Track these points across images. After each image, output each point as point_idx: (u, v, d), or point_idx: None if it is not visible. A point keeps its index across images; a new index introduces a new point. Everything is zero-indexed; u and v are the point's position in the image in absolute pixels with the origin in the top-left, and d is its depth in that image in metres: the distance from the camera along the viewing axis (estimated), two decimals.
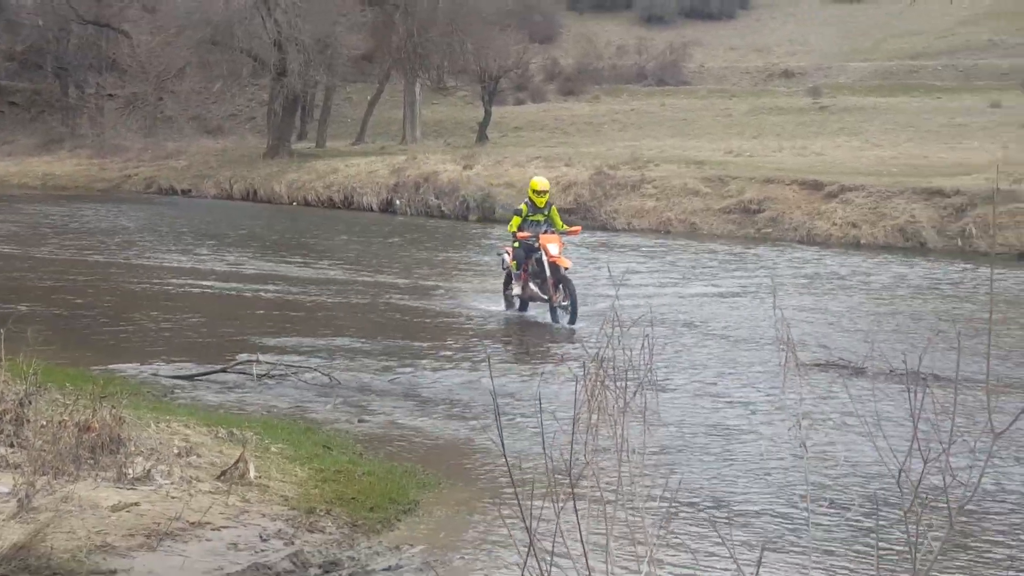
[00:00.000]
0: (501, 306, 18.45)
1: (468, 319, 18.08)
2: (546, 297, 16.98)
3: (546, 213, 17.60)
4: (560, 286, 16.82)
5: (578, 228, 19.00)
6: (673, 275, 23.08)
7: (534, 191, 17.72)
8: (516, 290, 17.67)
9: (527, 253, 17.19)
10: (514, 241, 17.50)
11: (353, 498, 8.70)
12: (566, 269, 16.81)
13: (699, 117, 50.96)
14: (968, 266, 23.87)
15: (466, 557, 7.82)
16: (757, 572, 4.36)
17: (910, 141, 41.47)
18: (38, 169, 47.54)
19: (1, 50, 54.96)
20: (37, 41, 54.57)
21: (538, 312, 17.66)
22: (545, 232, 17.22)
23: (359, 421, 11.56)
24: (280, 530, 7.88)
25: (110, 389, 10.07)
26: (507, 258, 17.69)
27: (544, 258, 16.90)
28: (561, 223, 17.98)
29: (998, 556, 7.98)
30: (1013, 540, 8.28)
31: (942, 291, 21.10)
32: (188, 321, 17.53)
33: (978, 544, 8.23)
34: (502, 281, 18.30)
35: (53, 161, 48.96)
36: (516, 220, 17.50)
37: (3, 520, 7.16)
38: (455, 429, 11.36)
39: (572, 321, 16.56)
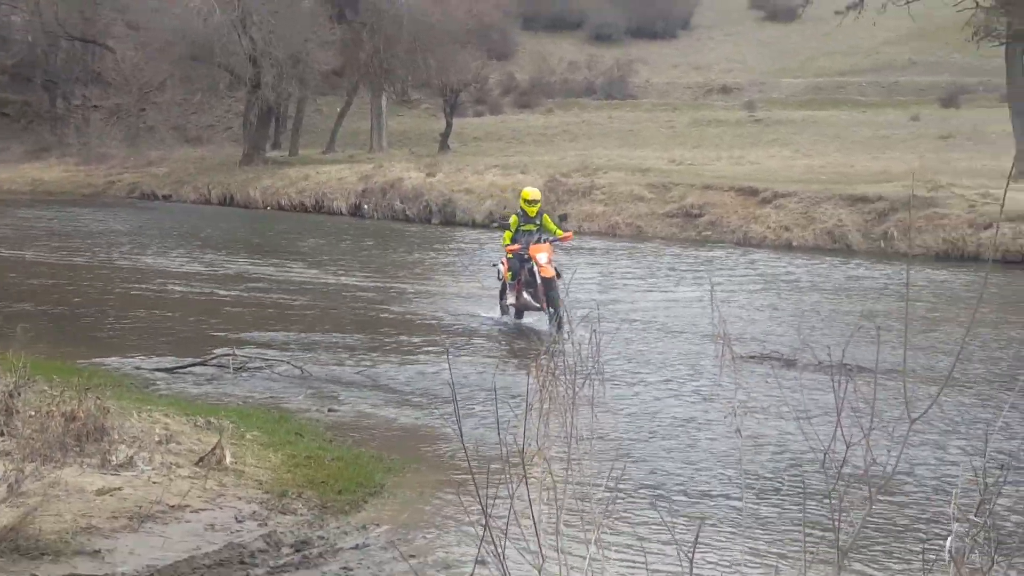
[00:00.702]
0: (466, 304, 18.40)
1: (431, 315, 18.05)
2: (539, 306, 16.36)
3: (538, 222, 16.65)
4: (548, 293, 15.99)
5: (570, 234, 17.40)
6: (619, 275, 23.10)
7: (525, 201, 16.79)
8: (511, 299, 16.96)
9: (520, 263, 16.39)
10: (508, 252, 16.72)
11: (323, 482, 8.70)
12: (548, 278, 15.92)
13: (644, 128, 51.12)
14: (890, 266, 24.02)
15: (428, 536, 7.82)
16: (694, 546, 4.39)
17: (837, 151, 41.76)
18: (28, 175, 47.27)
19: None
20: (27, 56, 54.28)
21: (535, 320, 17.05)
22: (537, 241, 16.42)
23: (329, 411, 11.54)
24: (254, 512, 7.87)
25: (95, 381, 10.04)
26: (502, 269, 16.96)
27: (535, 268, 16.13)
28: (557, 229, 16.98)
29: (913, 528, 8.05)
30: (924, 515, 8.35)
31: (866, 289, 21.24)
32: (168, 318, 17.44)
33: (895, 518, 8.32)
34: (498, 291, 17.56)
35: (42, 168, 48.75)
36: (507, 235, 16.70)
37: None
38: (418, 417, 11.36)
39: (558, 329, 15.19)
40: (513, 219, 16.79)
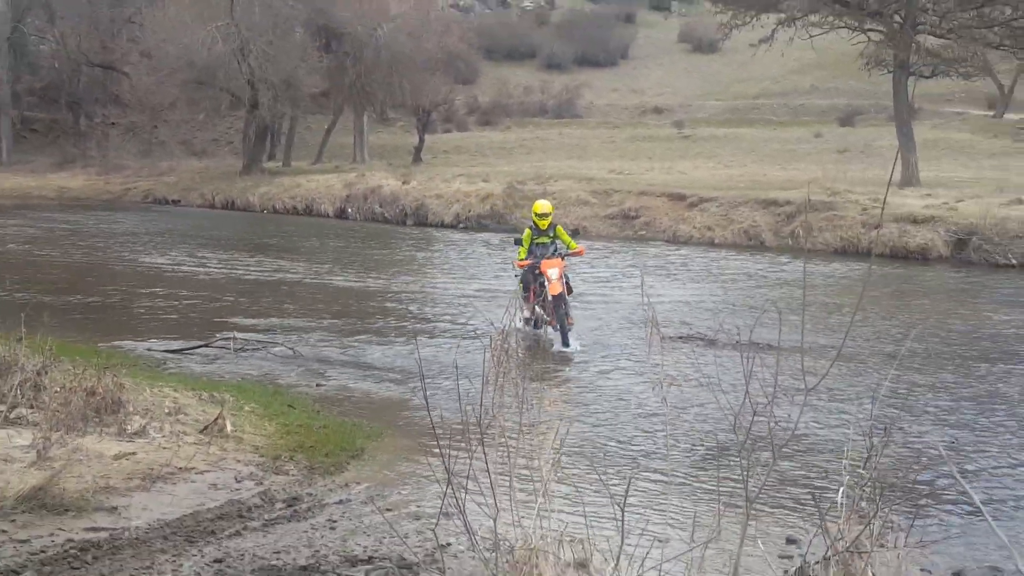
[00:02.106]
0: (438, 292, 18.26)
1: (406, 302, 18.01)
2: (549, 319, 14.20)
3: (551, 235, 14.56)
4: (556, 310, 13.90)
5: (582, 249, 15.13)
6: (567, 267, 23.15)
7: (536, 214, 14.58)
8: (525, 313, 14.54)
9: (533, 278, 14.30)
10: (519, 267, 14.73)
11: (311, 447, 8.69)
12: (557, 295, 13.80)
13: (589, 143, 51.16)
14: (796, 261, 24.17)
15: (402, 492, 7.82)
16: (625, 496, 4.41)
17: (753, 163, 41.96)
18: (54, 184, 46.69)
19: (24, 87, 54.26)
20: (54, 80, 53.93)
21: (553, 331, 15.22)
22: (552, 255, 14.34)
23: (317, 385, 11.52)
24: (252, 473, 7.86)
25: (112, 361, 10.00)
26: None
27: (546, 283, 13.94)
28: (572, 242, 14.75)
29: (810, 481, 8.14)
30: (820, 470, 8.43)
31: (775, 280, 21.37)
32: (177, 307, 17.30)
33: (796, 473, 8.41)
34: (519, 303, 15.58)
35: (66, 177, 48.17)
36: (521, 251, 14.60)
37: (24, 467, 7.08)
38: (395, 390, 11.35)
39: (564, 344, 13.64)
40: (526, 233, 14.62)
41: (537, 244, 14.49)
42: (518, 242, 14.79)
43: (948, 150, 42.36)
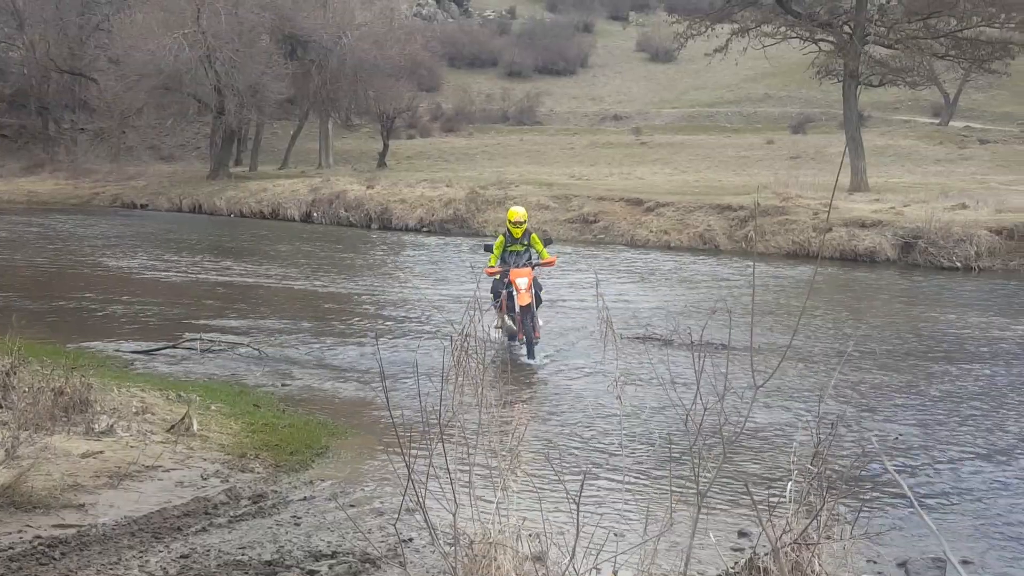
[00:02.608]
0: (400, 293, 18.19)
1: (369, 304, 17.99)
2: (516, 329, 13.27)
3: (525, 243, 13.56)
4: (523, 321, 13.04)
5: (553, 259, 13.85)
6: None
7: (509, 222, 13.63)
8: (496, 322, 13.36)
9: (503, 287, 13.34)
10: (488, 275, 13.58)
11: (277, 445, 8.69)
12: (525, 306, 12.94)
13: (549, 149, 51.25)
14: (749, 263, 24.33)
15: (365, 489, 7.82)
16: (580, 491, 4.45)
17: (708, 169, 42.25)
18: (23, 188, 46.29)
19: None
20: (23, 86, 53.52)
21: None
22: (525, 264, 13.42)
23: (283, 385, 11.48)
24: (218, 471, 7.85)
25: (80, 362, 9.99)
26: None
27: (515, 293, 13.05)
28: (544, 252, 13.70)
29: (761, 475, 8.22)
30: (770, 465, 8.51)
31: (729, 282, 21.50)
32: (144, 308, 17.18)
33: (746, 467, 8.49)
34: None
35: (36, 181, 47.80)
36: (492, 258, 13.55)
37: None
38: (357, 390, 11.35)
39: (530, 356, 12.89)
40: (499, 240, 13.61)
41: (510, 252, 13.48)
42: (488, 248, 13.87)
43: (895, 156, 42.88)
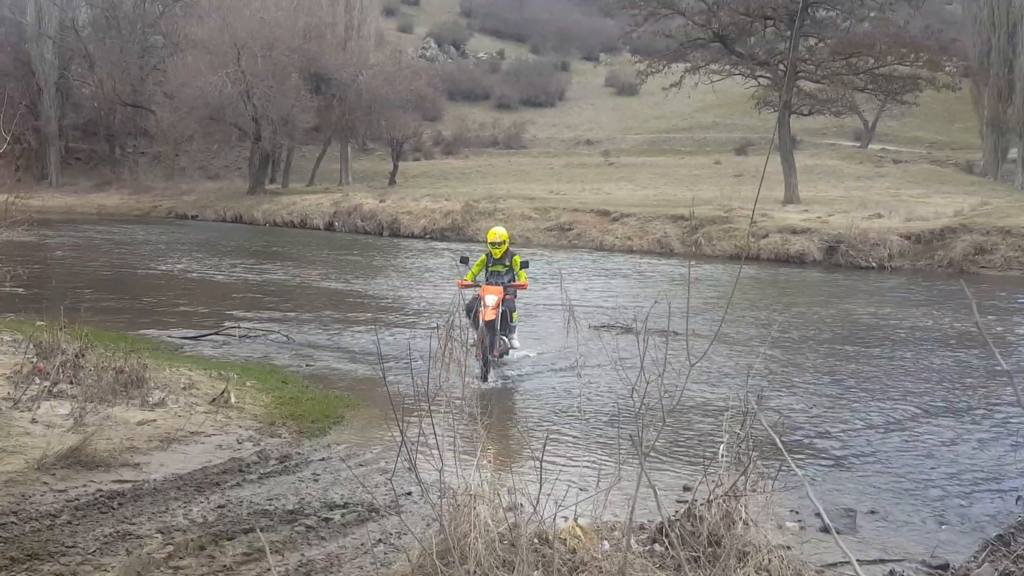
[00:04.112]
0: (406, 291, 18.10)
1: (377, 299, 18.02)
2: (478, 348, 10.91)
3: (507, 264, 11.34)
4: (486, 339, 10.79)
5: (525, 283, 11.42)
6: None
7: (488, 243, 11.39)
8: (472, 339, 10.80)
9: (477, 302, 11.06)
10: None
11: (300, 415, 8.72)
12: (488, 322, 10.72)
13: (532, 169, 51.14)
14: (698, 264, 24.42)
15: (372, 451, 7.87)
16: (543, 448, 4.52)
17: (665, 185, 42.20)
18: (94, 202, 46.19)
19: (69, 123, 53.90)
20: (93, 117, 53.40)
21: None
22: (507, 283, 11.29)
23: (307, 365, 11.51)
24: (251, 436, 7.89)
25: (138, 346, 10.01)
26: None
27: (481, 307, 10.89)
28: (521, 273, 11.38)
29: (692, 433, 8.31)
30: (705, 430, 8.60)
31: (681, 279, 21.57)
32: (192, 301, 17.23)
33: (684, 432, 8.59)
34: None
35: (104, 197, 47.67)
36: (469, 274, 11.41)
37: (64, 431, 7.10)
38: (368, 370, 11.35)
39: (482, 379, 10.48)
40: (480, 259, 11.54)
41: (492, 272, 11.37)
42: (464, 260, 11.72)
43: (822, 174, 42.93)
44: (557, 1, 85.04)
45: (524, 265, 11.56)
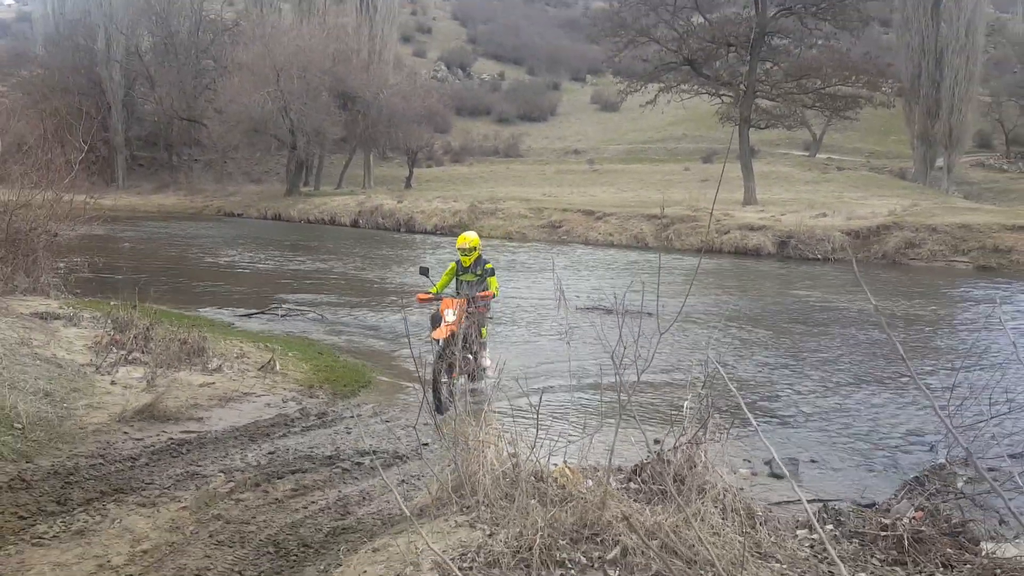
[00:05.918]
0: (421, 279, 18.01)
1: (399, 285, 18.12)
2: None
3: (478, 272, 8.69)
4: (436, 360, 7.53)
5: (491, 292, 8.44)
6: (506, 261, 23.36)
7: (457, 248, 8.71)
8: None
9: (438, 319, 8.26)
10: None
11: (335, 380, 8.84)
12: (443, 339, 7.62)
13: (528, 175, 51.09)
14: (669, 256, 24.50)
15: (396, 408, 8.02)
16: (539, 403, 4.67)
17: (642, 188, 42.15)
18: (155, 202, 46.08)
19: (134, 135, 53.83)
20: (154, 129, 53.39)
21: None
22: (476, 294, 8.46)
23: (339, 339, 11.61)
24: (294, 396, 8.02)
25: (197, 322, 10.16)
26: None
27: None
28: (492, 282, 8.59)
29: (666, 400, 8.47)
30: (672, 392, 8.74)
31: (653, 268, 21.68)
32: (241, 285, 17.36)
33: (654, 395, 8.75)
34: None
35: (163, 198, 47.55)
36: (436, 286, 8.73)
37: (139, 391, 7.26)
38: (391, 343, 11.49)
39: (435, 409, 7.27)
40: (450, 267, 8.89)
41: (462, 281, 8.79)
42: (424, 271, 8.83)
43: (777, 179, 42.96)
44: (550, 29, 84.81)
45: (491, 272, 8.76)
